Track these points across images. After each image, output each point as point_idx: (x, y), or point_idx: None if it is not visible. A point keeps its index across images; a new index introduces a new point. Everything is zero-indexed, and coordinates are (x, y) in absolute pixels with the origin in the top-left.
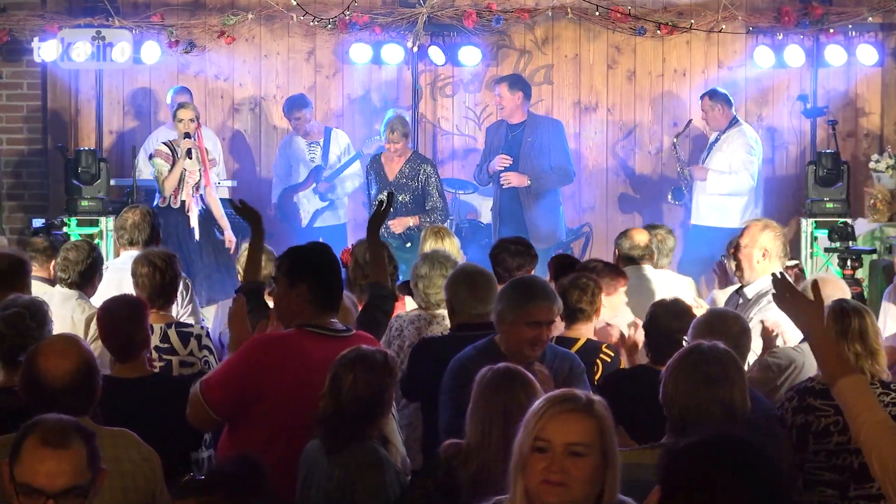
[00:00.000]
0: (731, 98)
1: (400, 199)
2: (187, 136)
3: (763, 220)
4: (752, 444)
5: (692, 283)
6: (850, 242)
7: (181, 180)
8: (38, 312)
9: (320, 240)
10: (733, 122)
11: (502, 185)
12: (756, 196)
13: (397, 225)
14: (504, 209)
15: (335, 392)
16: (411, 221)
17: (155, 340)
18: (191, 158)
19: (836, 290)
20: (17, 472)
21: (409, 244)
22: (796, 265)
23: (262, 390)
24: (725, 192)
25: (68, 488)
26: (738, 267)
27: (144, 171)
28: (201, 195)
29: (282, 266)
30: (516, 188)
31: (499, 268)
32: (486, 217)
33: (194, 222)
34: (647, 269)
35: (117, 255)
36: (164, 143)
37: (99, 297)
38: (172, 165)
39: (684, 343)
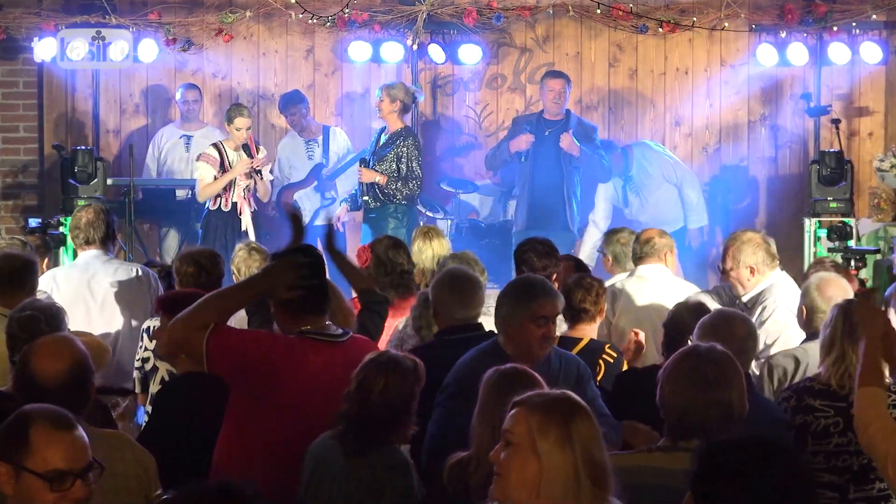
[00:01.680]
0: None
1: (375, 166)
2: (246, 148)
3: (737, 236)
4: (787, 443)
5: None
6: (849, 242)
7: (233, 183)
8: (54, 319)
9: (317, 240)
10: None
11: (561, 146)
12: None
13: (365, 174)
14: (533, 200)
15: (363, 395)
16: (377, 177)
17: None
18: (260, 178)
19: (839, 290)
20: (33, 463)
21: (373, 215)
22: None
23: (264, 384)
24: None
25: (89, 464)
26: (733, 287)
27: (152, 168)
28: (254, 196)
29: None
30: (559, 184)
31: (524, 265)
32: (485, 216)
33: (246, 226)
34: (657, 269)
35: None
36: (214, 146)
37: (66, 298)
38: (222, 170)
39: (689, 343)
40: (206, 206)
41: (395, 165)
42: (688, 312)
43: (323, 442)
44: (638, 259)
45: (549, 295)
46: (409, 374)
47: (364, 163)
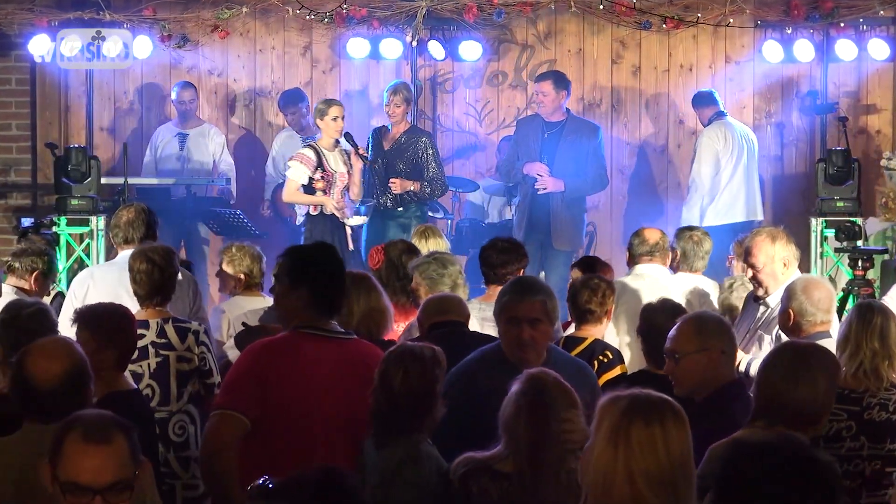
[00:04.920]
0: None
1: (398, 167)
2: (348, 137)
3: (766, 231)
4: (823, 455)
5: (716, 286)
6: (858, 242)
7: (332, 184)
8: (39, 313)
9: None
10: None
11: (537, 190)
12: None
13: (398, 185)
14: (534, 209)
15: (387, 388)
16: (412, 186)
17: (152, 336)
18: (367, 164)
19: (826, 292)
20: (60, 471)
21: (400, 208)
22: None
23: (271, 391)
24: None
25: (114, 483)
26: (761, 286)
27: (150, 169)
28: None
29: (284, 265)
30: (559, 195)
31: (483, 266)
32: (490, 217)
33: (349, 230)
34: (655, 269)
35: (108, 255)
36: (311, 147)
37: (102, 296)
38: (321, 170)
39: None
40: (307, 210)
41: (418, 165)
42: (663, 315)
43: (367, 442)
44: (638, 257)
45: (524, 294)
46: (427, 360)
47: (383, 165)
